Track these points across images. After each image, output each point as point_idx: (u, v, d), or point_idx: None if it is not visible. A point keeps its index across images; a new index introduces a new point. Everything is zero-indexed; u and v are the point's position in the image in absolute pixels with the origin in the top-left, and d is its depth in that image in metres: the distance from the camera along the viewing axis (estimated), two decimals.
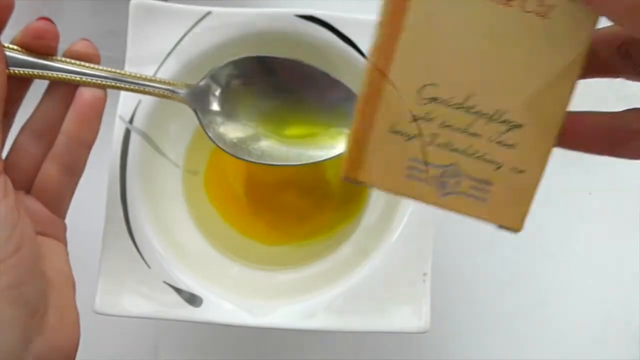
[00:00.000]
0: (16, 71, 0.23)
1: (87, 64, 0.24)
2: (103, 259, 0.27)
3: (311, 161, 0.26)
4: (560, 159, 0.38)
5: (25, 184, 0.24)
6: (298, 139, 0.27)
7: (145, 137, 0.29)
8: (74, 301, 0.24)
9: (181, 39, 0.28)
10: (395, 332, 0.26)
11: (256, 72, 0.26)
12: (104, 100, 0.24)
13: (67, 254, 0.25)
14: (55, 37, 0.23)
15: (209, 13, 0.28)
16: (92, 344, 0.34)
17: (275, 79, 0.26)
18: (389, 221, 0.28)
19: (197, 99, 0.25)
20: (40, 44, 0.23)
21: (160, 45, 0.28)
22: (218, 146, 0.26)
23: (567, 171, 0.36)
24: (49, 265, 0.23)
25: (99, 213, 0.27)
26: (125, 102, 0.28)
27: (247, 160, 0.26)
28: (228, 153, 0.26)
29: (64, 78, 0.23)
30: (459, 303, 0.35)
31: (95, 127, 0.24)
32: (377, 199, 0.31)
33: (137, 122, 0.28)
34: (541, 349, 0.34)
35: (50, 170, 0.24)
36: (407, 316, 0.26)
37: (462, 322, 0.34)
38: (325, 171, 0.32)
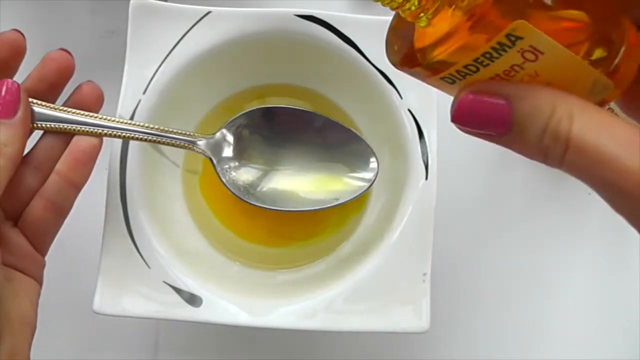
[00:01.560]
0: (36, 125, 0.24)
1: (103, 117, 0.25)
2: (103, 259, 0.27)
3: (317, 207, 0.28)
4: None
5: (14, 214, 0.24)
6: (306, 184, 0.28)
7: None
8: (28, 347, 0.24)
9: (181, 39, 0.28)
10: (395, 332, 0.26)
11: (266, 121, 0.28)
12: (99, 148, 0.25)
13: (38, 294, 0.25)
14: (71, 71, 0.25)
15: (209, 13, 0.28)
16: (92, 344, 0.34)
17: (284, 128, 0.28)
18: (389, 221, 0.28)
19: (212, 148, 0.27)
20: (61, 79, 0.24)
21: (160, 45, 0.28)
22: (232, 192, 0.27)
23: None
24: (15, 304, 0.23)
25: (99, 213, 0.27)
26: (125, 102, 0.28)
27: (257, 206, 0.27)
28: (240, 198, 0.27)
29: (83, 131, 0.24)
30: (459, 303, 0.35)
31: (87, 172, 0.25)
32: (377, 199, 0.31)
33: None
34: (541, 349, 0.34)
35: (38, 206, 0.24)
36: (407, 316, 0.26)
37: (462, 322, 0.34)
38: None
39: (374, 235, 0.29)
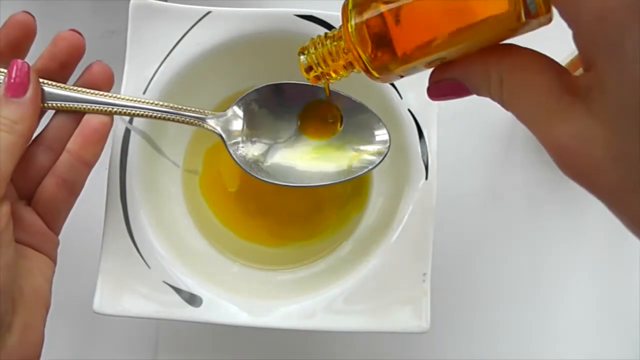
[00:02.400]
0: (47, 104, 0.24)
1: (114, 95, 0.25)
2: (103, 259, 0.27)
3: (329, 182, 0.27)
4: None
5: (28, 194, 0.25)
6: (318, 159, 0.28)
7: (145, 136, 0.29)
8: (43, 323, 0.24)
9: (181, 39, 0.28)
10: (395, 332, 0.26)
11: (276, 97, 0.27)
12: (110, 126, 0.25)
13: (52, 271, 0.25)
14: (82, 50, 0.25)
15: (209, 13, 0.28)
16: (92, 344, 0.34)
17: (294, 103, 0.27)
18: (389, 221, 0.28)
19: (223, 125, 0.26)
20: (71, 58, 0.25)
21: (160, 45, 0.28)
22: (243, 168, 0.26)
23: None
24: (28, 281, 0.23)
25: (99, 213, 0.27)
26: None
27: (266, 182, 0.27)
28: (251, 174, 0.26)
29: (94, 110, 0.25)
30: (459, 303, 0.35)
31: (99, 150, 0.25)
32: (377, 198, 0.31)
33: (137, 121, 0.28)
34: (541, 349, 0.34)
35: (50, 184, 0.24)
36: (407, 316, 0.26)
37: (462, 322, 0.35)
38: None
39: (374, 235, 0.29)
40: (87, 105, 0.24)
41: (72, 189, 0.25)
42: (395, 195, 0.29)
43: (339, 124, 0.27)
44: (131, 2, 0.28)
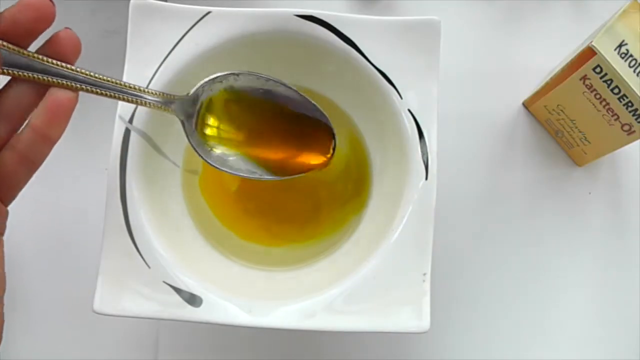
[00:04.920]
0: (6, 71, 0.22)
1: (81, 70, 0.23)
2: (103, 258, 0.27)
3: (282, 177, 0.28)
4: (561, 159, 0.38)
5: None
6: (276, 154, 0.29)
7: (145, 136, 0.29)
8: (0, 304, 0.23)
9: (181, 39, 0.28)
10: (395, 332, 0.26)
11: (241, 86, 0.27)
12: (75, 102, 0.23)
13: (2, 245, 0.24)
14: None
15: (208, 13, 0.28)
16: (92, 344, 0.34)
17: (258, 95, 0.28)
18: (389, 221, 0.28)
19: (184, 109, 0.26)
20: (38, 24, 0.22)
21: (160, 45, 0.28)
22: (198, 154, 0.27)
23: (567, 171, 0.36)
24: None
25: (99, 213, 0.27)
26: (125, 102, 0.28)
27: (221, 170, 0.27)
28: (205, 160, 0.27)
29: (57, 83, 0.23)
30: (459, 303, 0.35)
31: (64, 127, 0.23)
32: (377, 198, 0.31)
33: (136, 121, 0.28)
34: (541, 349, 0.34)
35: (11, 161, 0.23)
36: (407, 316, 0.26)
37: (462, 322, 0.34)
38: (325, 171, 0.32)
39: (374, 235, 0.29)
40: (52, 78, 0.23)
41: (33, 165, 0.23)
42: (395, 195, 0.29)
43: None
44: (131, 2, 0.28)
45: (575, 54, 0.31)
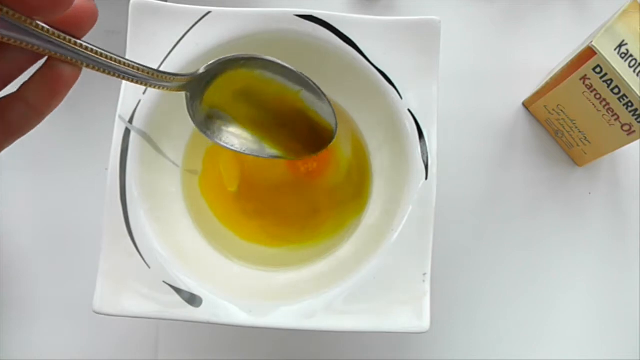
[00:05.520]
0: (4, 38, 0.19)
1: (85, 45, 0.21)
2: (103, 258, 0.27)
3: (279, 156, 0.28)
4: (561, 159, 0.38)
5: None
6: (281, 135, 0.28)
7: (145, 136, 0.29)
8: None
9: (181, 39, 0.28)
10: (395, 332, 0.26)
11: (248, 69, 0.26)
12: (78, 77, 0.21)
13: None
14: None
15: (208, 13, 0.28)
16: (92, 343, 0.34)
17: (265, 77, 0.27)
18: (389, 221, 0.28)
19: (190, 87, 0.25)
20: None
21: (160, 45, 0.28)
22: (199, 129, 0.26)
23: (567, 171, 0.36)
24: None
25: (99, 213, 0.27)
26: (125, 102, 0.28)
27: (225, 147, 0.27)
28: (208, 137, 0.26)
29: (55, 55, 0.20)
30: (459, 303, 0.35)
31: (60, 101, 0.21)
32: (377, 199, 0.31)
33: (136, 121, 0.28)
34: (541, 349, 0.34)
35: None
36: (407, 316, 0.26)
37: (462, 322, 0.34)
38: (327, 175, 0.32)
39: (374, 235, 0.29)
40: (58, 51, 0.20)
41: (19, 136, 0.22)
42: (395, 196, 0.29)
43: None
44: (131, 2, 0.28)
45: (575, 54, 0.31)
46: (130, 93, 0.28)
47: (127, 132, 0.28)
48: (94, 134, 0.35)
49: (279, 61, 0.26)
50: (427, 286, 0.26)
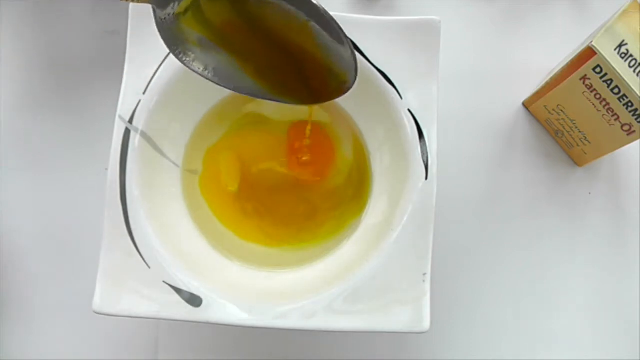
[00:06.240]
0: None
1: None
2: (103, 259, 0.27)
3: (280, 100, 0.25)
4: (561, 159, 0.38)
5: None
6: (277, 71, 0.25)
7: (145, 136, 0.29)
8: None
9: None
10: (395, 332, 0.26)
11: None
12: None
13: None
14: None
15: None
16: (92, 344, 0.34)
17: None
18: (389, 221, 0.28)
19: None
20: None
21: (160, 45, 0.28)
22: (168, 47, 0.23)
23: (567, 171, 0.36)
24: None
25: (99, 213, 0.27)
26: (125, 102, 0.28)
27: (196, 72, 0.24)
28: (180, 60, 0.24)
29: None
30: (459, 303, 0.35)
31: None
32: (377, 199, 0.31)
33: (137, 121, 0.28)
34: (541, 349, 0.34)
35: None
36: (407, 316, 0.26)
37: (462, 322, 0.34)
38: (327, 177, 0.32)
39: (374, 235, 0.29)
40: None
41: None
42: (395, 196, 0.29)
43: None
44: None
45: (575, 54, 0.31)
46: (130, 93, 0.28)
47: (127, 132, 0.28)
48: (94, 134, 0.35)
49: None
50: (427, 286, 0.26)
